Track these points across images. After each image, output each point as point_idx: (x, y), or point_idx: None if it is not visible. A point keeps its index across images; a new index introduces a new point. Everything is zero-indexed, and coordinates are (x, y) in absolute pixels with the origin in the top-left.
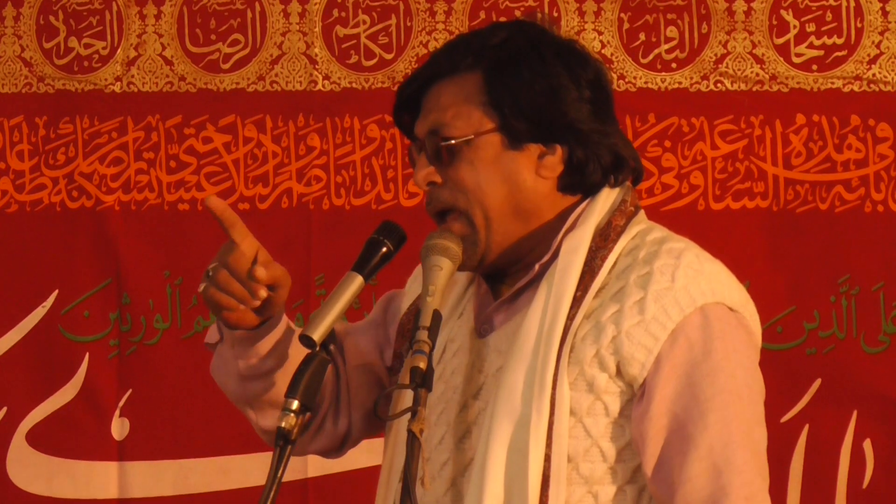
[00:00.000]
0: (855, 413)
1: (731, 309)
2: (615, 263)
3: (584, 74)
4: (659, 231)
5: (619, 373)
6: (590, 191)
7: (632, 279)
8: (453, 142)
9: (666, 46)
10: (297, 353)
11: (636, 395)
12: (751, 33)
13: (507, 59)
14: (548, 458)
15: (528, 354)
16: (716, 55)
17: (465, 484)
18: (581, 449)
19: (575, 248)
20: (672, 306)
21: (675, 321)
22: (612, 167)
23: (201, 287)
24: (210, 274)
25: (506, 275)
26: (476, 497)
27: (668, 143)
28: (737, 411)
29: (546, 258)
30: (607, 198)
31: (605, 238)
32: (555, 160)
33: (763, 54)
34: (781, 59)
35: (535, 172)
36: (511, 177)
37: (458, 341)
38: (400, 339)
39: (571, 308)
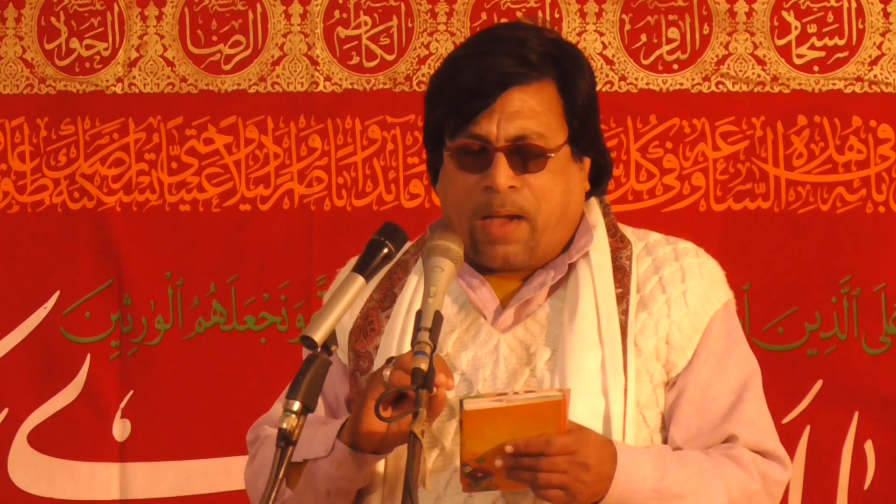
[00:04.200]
0: (856, 414)
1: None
2: (637, 262)
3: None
4: (643, 231)
5: (666, 361)
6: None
7: (665, 274)
8: (552, 155)
9: (667, 48)
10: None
11: (670, 381)
12: (752, 34)
13: (574, 70)
14: None
15: (593, 348)
16: (717, 56)
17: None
18: (641, 439)
19: (600, 248)
20: (706, 301)
21: (710, 315)
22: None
23: (386, 372)
24: (393, 360)
25: (511, 273)
26: None
27: (669, 145)
28: (760, 391)
29: (575, 259)
30: (593, 203)
31: (619, 239)
32: (586, 171)
33: (764, 55)
34: (783, 60)
35: (581, 184)
36: (570, 188)
37: (464, 337)
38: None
39: (619, 304)
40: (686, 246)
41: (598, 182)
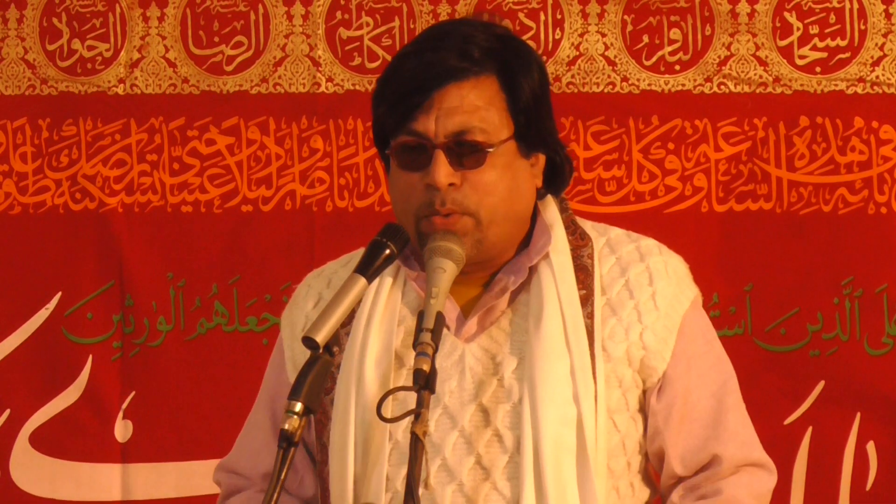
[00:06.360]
0: (858, 415)
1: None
2: (600, 260)
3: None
4: (603, 225)
5: (641, 366)
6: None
7: (631, 277)
8: (490, 150)
9: (669, 48)
10: None
11: (651, 388)
12: (754, 35)
13: (517, 65)
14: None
15: (561, 355)
16: (719, 57)
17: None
18: (613, 445)
19: (559, 249)
20: (675, 301)
21: (681, 315)
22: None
23: None
24: None
25: (466, 277)
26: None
27: (671, 146)
28: (738, 395)
29: (536, 261)
30: (549, 200)
31: (578, 237)
32: (539, 168)
33: (766, 56)
34: (785, 61)
35: (531, 180)
36: (518, 183)
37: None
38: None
39: (584, 307)
40: (649, 243)
41: (556, 180)
